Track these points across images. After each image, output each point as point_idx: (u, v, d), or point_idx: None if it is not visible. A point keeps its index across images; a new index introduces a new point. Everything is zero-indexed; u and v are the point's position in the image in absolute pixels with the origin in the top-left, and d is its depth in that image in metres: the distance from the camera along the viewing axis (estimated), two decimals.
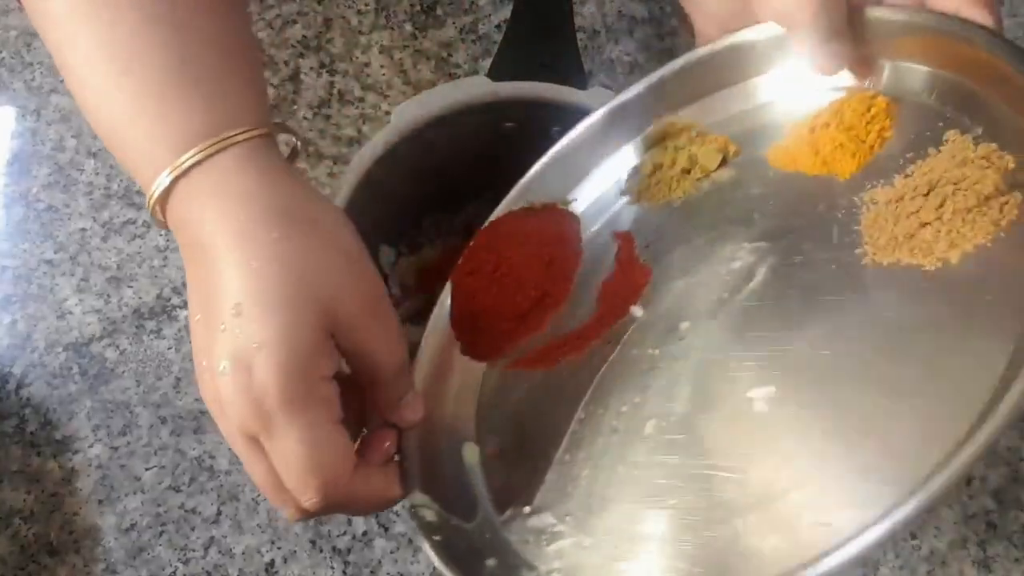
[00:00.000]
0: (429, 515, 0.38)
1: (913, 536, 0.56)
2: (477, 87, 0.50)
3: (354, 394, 0.38)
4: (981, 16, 0.36)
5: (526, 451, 0.40)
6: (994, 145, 0.35)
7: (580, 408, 0.40)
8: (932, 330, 0.33)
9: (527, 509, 0.38)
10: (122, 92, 0.36)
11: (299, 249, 0.35)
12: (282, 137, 0.39)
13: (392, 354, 0.37)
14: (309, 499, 0.34)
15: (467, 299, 0.46)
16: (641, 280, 0.42)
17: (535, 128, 0.53)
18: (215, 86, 0.36)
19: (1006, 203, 0.34)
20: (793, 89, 0.42)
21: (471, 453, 0.42)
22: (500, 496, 0.39)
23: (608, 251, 0.45)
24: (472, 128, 0.52)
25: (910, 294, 0.34)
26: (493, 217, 0.47)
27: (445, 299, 0.46)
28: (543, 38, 0.52)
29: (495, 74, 0.51)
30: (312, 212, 0.36)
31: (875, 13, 0.39)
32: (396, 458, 0.40)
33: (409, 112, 0.50)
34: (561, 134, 0.53)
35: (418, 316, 0.56)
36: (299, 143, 0.41)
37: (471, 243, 0.47)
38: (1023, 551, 0.56)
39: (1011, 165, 0.34)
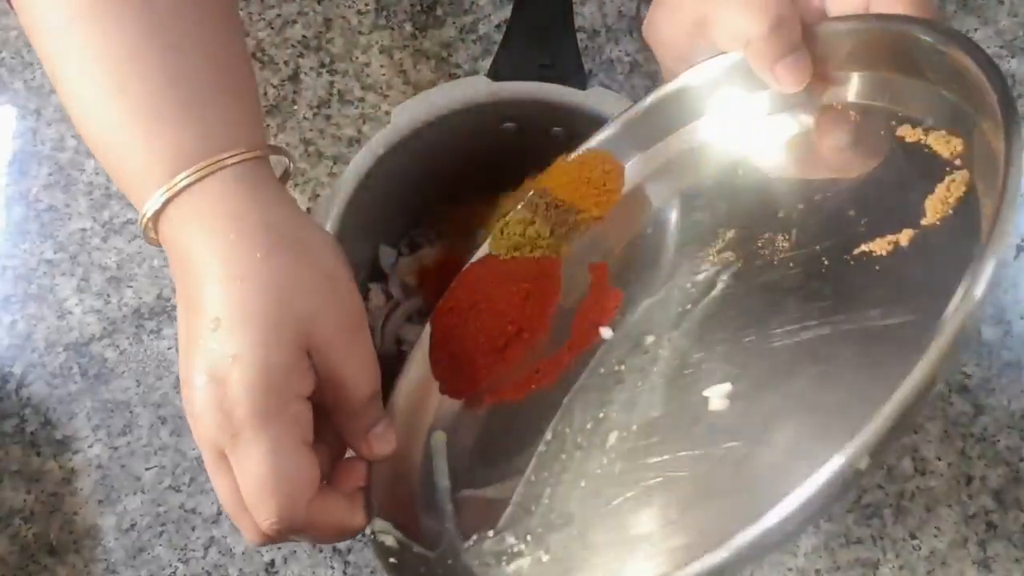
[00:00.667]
0: (389, 540, 0.38)
1: (913, 536, 0.56)
2: (477, 87, 0.50)
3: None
4: (923, 11, 0.36)
5: (495, 478, 0.41)
6: (943, 131, 0.36)
7: (548, 430, 0.40)
8: (884, 313, 0.33)
9: (490, 533, 0.38)
10: (116, 110, 0.36)
11: (282, 268, 0.35)
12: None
13: (364, 381, 0.37)
14: (267, 518, 0.34)
15: (445, 336, 0.46)
16: (612, 304, 0.43)
17: (535, 128, 0.53)
18: (209, 108, 0.36)
19: (953, 180, 0.34)
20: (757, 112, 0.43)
21: (438, 438, 0.43)
22: (466, 524, 0.39)
23: (584, 283, 0.45)
24: (472, 128, 0.52)
25: (865, 279, 0.34)
26: (473, 259, 0.48)
27: (424, 339, 0.46)
28: (543, 38, 0.52)
29: (495, 74, 0.51)
30: (300, 234, 0.36)
31: (828, 26, 0.39)
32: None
33: (409, 112, 0.50)
34: (561, 134, 0.53)
35: (418, 316, 0.56)
36: (292, 165, 0.42)
37: (452, 284, 0.48)
38: (1023, 551, 0.56)
39: (959, 148, 0.35)
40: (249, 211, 0.35)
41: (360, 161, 0.49)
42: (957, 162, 0.35)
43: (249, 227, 0.35)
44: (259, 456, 0.33)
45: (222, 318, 0.34)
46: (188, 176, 0.35)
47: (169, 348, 0.59)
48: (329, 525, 0.36)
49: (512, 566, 0.36)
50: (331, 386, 0.36)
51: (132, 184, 0.36)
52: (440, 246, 0.58)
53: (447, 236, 0.59)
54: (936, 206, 0.34)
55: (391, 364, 0.56)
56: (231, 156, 0.35)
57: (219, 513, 0.56)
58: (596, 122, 0.50)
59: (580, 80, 0.51)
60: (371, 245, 0.57)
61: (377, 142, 0.50)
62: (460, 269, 0.56)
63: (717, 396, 0.35)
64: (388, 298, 0.57)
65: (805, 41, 0.39)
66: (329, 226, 0.48)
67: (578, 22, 0.64)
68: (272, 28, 0.66)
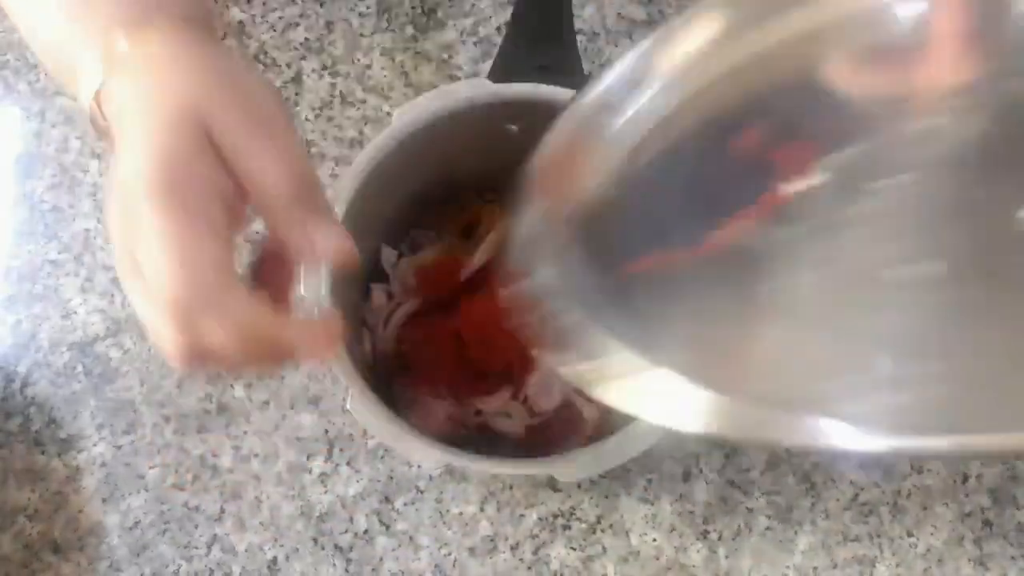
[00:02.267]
0: None
1: (910, 534, 0.56)
2: (478, 89, 0.51)
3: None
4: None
5: None
6: None
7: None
8: None
9: None
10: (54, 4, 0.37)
11: (188, 71, 0.34)
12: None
13: (281, 175, 0.34)
14: (166, 319, 0.31)
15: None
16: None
17: (536, 130, 0.54)
18: None
19: None
20: None
21: None
22: None
23: None
24: (473, 130, 0.53)
25: None
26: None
27: None
28: (543, 40, 0.52)
29: (495, 76, 0.51)
30: (222, 63, 0.36)
31: None
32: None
33: (410, 114, 0.50)
34: None
35: (417, 316, 0.57)
36: (228, 25, 0.42)
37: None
38: (1020, 549, 0.56)
39: None
40: (175, 50, 0.35)
41: (361, 162, 0.50)
42: None
43: (168, 56, 0.35)
44: (157, 244, 0.31)
45: (125, 129, 0.33)
46: (122, 37, 0.35)
47: None
48: (241, 320, 0.32)
49: None
50: (247, 182, 0.34)
51: (77, 71, 0.37)
52: (440, 247, 0.59)
53: (447, 237, 0.59)
54: None
55: (392, 363, 0.57)
56: (163, 14, 0.36)
57: (222, 511, 0.56)
58: None
59: (580, 82, 0.51)
60: (373, 245, 0.58)
61: (378, 144, 0.50)
62: (460, 270, 0.56)
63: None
64: (389, 298, 0.58)
65: None
66: (339, 211, 0.49)
67: (578, 24, 0.65)
68: (275, 31, 0.66)
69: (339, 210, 0.49)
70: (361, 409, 0.46)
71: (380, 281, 0.58)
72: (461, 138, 0.53)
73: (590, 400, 0.55)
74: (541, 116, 0.52)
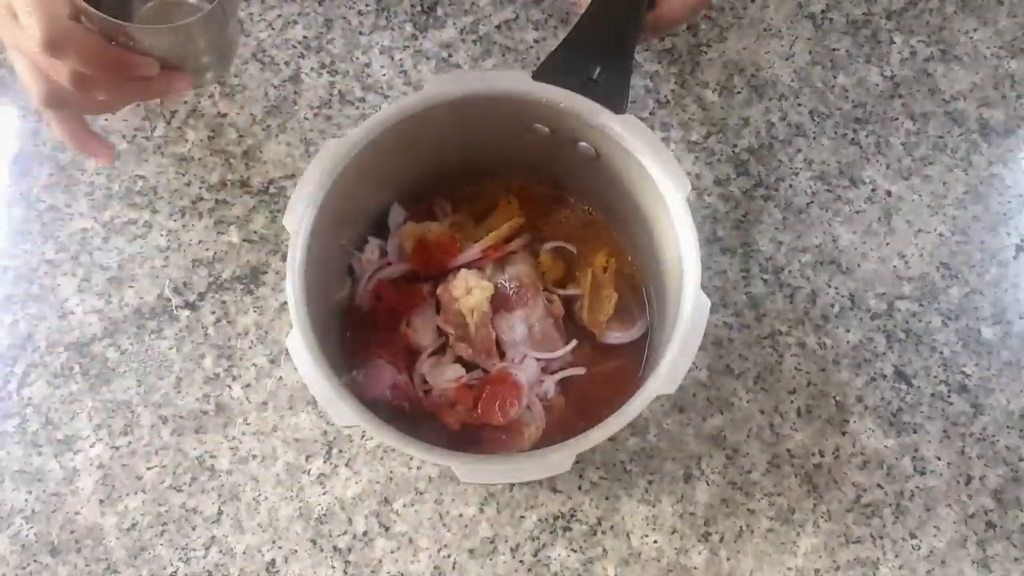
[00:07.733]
0: None
1: (913, 535, 0.56)
2: (515, 80, 0.51)
3: None
4: None
5: None
6: None
7: None
8: None
9: None
10: None
11: None
12: None
13: None
14: (31, 33, 0.43)
15: None
16: None
17: (565, 136, 0.53)
18: None
19: None
20: None
21: None
22: None
23: None
24: (503, 118, 0.53)
25: None
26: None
27: None
28: (600, 54, 0.51)
29: (539, 75, 0.51)
30: None
31: None
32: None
33: (445, 84, 0.50)
34: (588, 150, 0.53)
35: (402, 280, 0.57)
36: None
37: None
38: (1022, 551, 0.56)
39: None
40: None
41: (390, 110, 0.50)
42: None
43: None
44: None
45: None
46: None
47: (170, 348, 0.59)
48: (95, 47, 0.45)
49: None
50: None
51: None
52: (447, 223, 0.58)
53: (460, 213, 0.59)
54: None
55: (364, 318, 0.57)
56: None
57: (220, 512, 0.56)
58: (621, 148, 0.50)
59: (619, 103, 0.50)
60: (384, 199, 0.58)
61: (409, 101, 0.50)
62: (456, 250, 0.56)
63: None
64: (382, 255, 0.58)
65: None
66: (346, 153, 0.49)
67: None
68: (273, 29, 0.66)
69: (358, 148, 0.49)
70: (298, 349, 0.46)
71: (379, 236, 0.58)
72: (490, 122, 0.53)
73: (536, 418, 0.55)
74: (571, 125, 0.51)
